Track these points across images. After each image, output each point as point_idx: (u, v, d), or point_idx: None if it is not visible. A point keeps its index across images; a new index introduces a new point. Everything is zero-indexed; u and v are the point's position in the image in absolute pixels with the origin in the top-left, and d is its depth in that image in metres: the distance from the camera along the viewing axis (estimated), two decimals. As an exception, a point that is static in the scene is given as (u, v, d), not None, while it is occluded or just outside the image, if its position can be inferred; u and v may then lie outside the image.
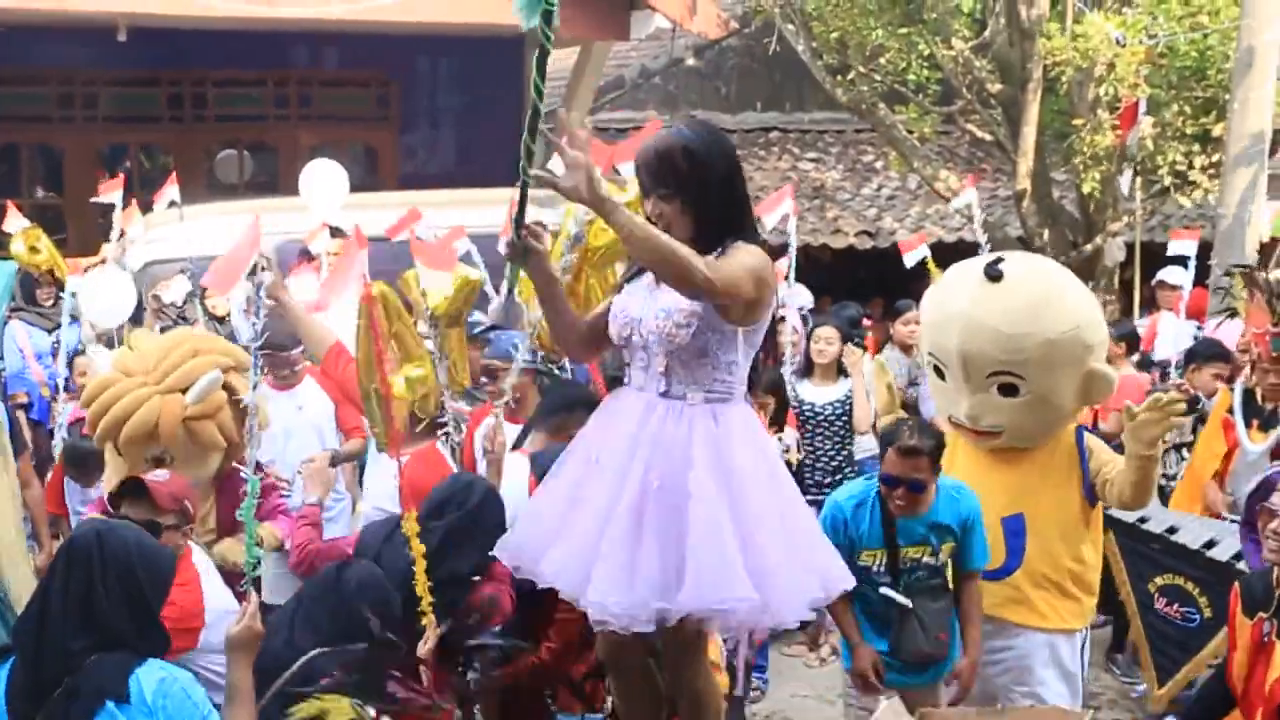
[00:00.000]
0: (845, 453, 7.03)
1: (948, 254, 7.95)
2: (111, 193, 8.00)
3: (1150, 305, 9.04)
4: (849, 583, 3.51)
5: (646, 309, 3.29)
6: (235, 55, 11.88)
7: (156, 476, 4.26)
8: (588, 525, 3.17)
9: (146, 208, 9.49)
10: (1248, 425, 5.99)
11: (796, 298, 7.78)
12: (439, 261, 4.48)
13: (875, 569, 4.32)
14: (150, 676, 3.02)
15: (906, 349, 7.88)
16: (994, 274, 4.27)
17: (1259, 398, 6.00)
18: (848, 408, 7.05)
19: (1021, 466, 4.44)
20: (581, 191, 3.07)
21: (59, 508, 6.00)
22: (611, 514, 3.19)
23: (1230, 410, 6.10)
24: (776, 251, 7.95)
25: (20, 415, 7.16)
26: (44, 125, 12.41)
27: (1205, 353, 6.87)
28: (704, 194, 3.25)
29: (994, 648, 4.40)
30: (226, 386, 4.77)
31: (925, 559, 4.33)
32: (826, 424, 7.02)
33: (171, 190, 8.38)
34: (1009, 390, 4.30)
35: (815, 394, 7.06)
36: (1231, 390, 6.24)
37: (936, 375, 4.55)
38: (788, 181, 11.62)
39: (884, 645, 4.34)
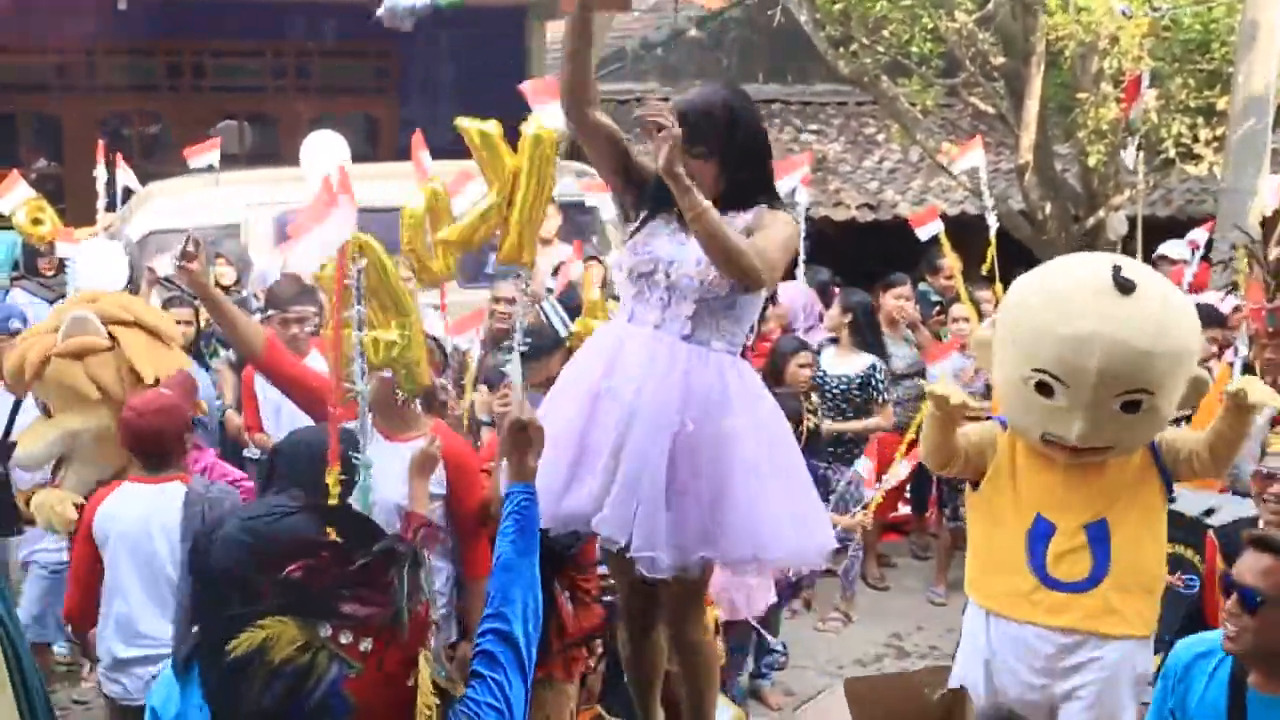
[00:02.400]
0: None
1: (950, 227, 7.93)
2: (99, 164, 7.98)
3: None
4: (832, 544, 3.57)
5: (683, 254, 3.30)
6: (234, 25, 11.84)
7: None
8: (617, 466, 3.17)
9: (146, 178, 9.47)
10: None
11: (819, 273, 7.84)
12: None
13: None
14: None
15: (893, 323, 7.78)
16: (1126, 284, 3.98)
17: (1258, 372, 6.02)
18: (857, 384, 7.08)
19: (1100, 471, 4.19)
20: (668, 162, 3.10)
21: None
22: (647, 459, 3.21)
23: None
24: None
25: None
26: (42, 95, 12.36)
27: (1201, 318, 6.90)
28: (740, 155, 3.31)
29: (1078, 662, 4.18)
30: (112, 338, 4.59)
31: None
32: (833, 396, 7.05)
33: (212, 155, 8.41)
34: (1132, 406, 4.04)
35: (831, 364, 7.10)
36: (1231, 365, 6.26)
37: (1038, 391, 4.12)
38: (790, 154, 11.58)
39: None
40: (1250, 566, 3.24)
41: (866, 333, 7.18)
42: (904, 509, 8.64)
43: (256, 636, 2.17)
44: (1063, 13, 10.10)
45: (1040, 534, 4.21)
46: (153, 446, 4.30)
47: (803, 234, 7.49)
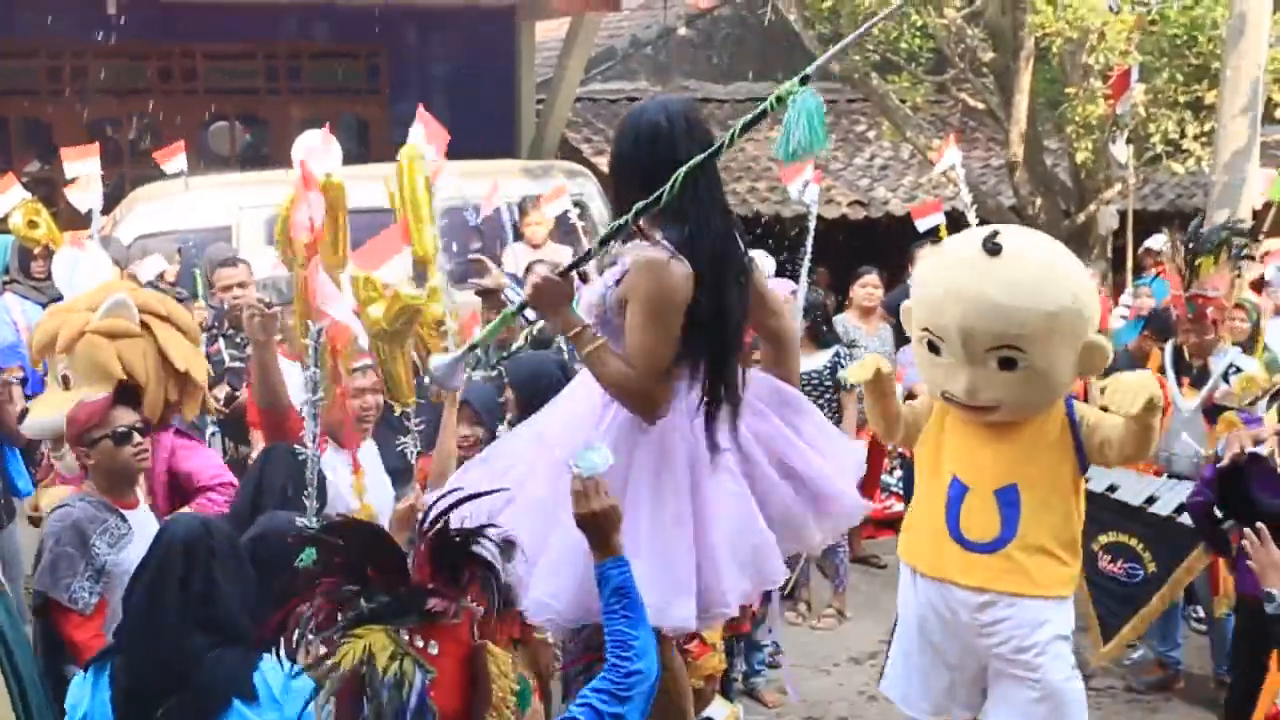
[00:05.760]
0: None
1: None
2: (86, 161, 7.83)
3: (1142, 273, 9.08)
4: None
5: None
6: (225, 28, 11.82)
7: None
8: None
9: (137, 181, 9.46)
10: (1179, 383, 6.17)
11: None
12: (376, 259, 4.27)
13: None
14: (275, 671, 2.98)
15: (867, 312, 7.92)
16: (993, 248, 4.23)
17: (1187, 355, 6.16)
18: (827, 374, 7.11)
19: (1014, 438, 4.39)
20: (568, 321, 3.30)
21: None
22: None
23: (1162, 369, 6.24)
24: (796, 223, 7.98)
25: (16, 390, 7.13)
26: (32, 98, 12.34)
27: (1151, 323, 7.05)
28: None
29: (992, 619, 4.37)
30: (145, 326, 4.81)
31: None
32: (807, 392, 7.06)
33: (179, 160, 8.36)
34: (1008, 364, 4.26)
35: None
36: (1163, 350, 6.37)
37: (930, 350, 4.48)
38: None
39: None
40: None
41: (823, 329, 7.26)
42: (899, 506, 8.66)
43: (357, 646, 2.18)
44: (1048, 12, 10.11)
45: (956, 495, 4.42)
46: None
47: (811, 231, 7.56)
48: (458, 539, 2.34)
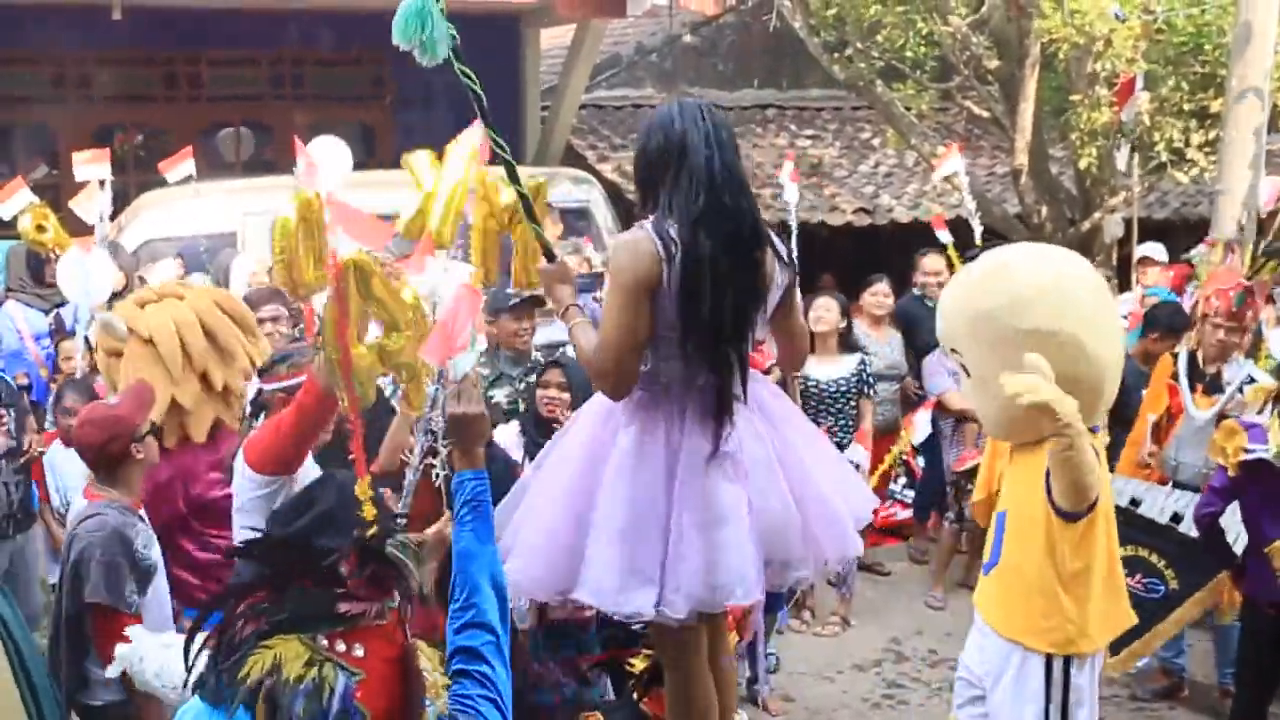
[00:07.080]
0: (849, 430, 7.05)
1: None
2: (98, 166, 7.76)
3: (1135, 281, 9.09)
4: None
5: None
6: (230, 35, 11.84)
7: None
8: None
9: (142, 187, 9.45)
10: (1192, 390, 6.07)
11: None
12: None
13: None
14: None
15: (877, 320, 7.92)
16: (970, 258, 4.39)
17: (1201, 361, 6.06)
18: (851, 385, 7.08)
19: (1017, 465, 4.20)
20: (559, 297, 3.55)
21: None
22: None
23: (1174, 376, 6.15)
24: (776, 229, 8.00)
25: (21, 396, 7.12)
26: (37, 106, 12.36)
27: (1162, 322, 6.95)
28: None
29: (980, 645, 4.24)
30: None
31: None
32: (830, 401, 7.03)
33: (187, 165, 8.36)
34: (966, 370, 4.17)
35: (818, 370, 7.03)
36: (1175, 355, 6.27)
37: None
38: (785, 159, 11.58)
39: None
40: None
41: (850, 336, 7.27)
42: (903, 513, 8.65)
43: (266, 657, 2.18)
44: (1055, 18, 10.09)
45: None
46: (91, 459, 4.29)
47: (794, 233, 7.58)
48: (371, 542, 2.37)
